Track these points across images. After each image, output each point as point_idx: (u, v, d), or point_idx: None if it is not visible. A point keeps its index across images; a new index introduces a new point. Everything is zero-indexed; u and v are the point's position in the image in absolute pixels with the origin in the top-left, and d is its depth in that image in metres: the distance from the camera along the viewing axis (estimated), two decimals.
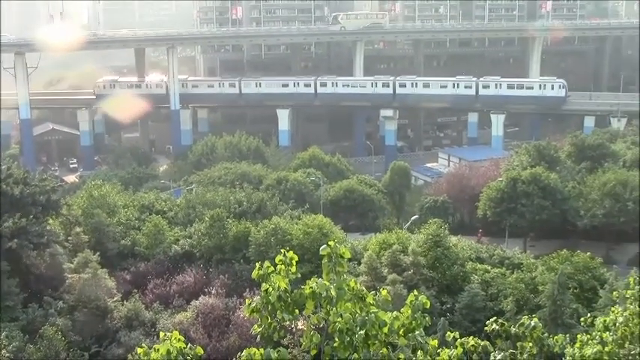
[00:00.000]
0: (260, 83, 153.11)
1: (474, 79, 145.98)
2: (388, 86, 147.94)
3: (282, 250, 9.38)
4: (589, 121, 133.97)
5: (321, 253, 9.04)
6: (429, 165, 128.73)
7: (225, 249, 59.30)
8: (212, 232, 60.19)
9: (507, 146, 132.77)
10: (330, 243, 9.05)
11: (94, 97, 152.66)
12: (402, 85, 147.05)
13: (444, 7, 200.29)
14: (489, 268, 56.29)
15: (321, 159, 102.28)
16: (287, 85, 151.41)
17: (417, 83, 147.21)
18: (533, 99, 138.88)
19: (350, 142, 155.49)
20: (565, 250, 56.77)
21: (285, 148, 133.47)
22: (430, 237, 55.70)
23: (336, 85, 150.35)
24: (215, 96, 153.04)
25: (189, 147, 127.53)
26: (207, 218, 61.95)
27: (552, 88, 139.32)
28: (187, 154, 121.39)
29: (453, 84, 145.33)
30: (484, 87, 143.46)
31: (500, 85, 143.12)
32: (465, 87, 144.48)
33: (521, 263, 57.11)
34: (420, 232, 59.81)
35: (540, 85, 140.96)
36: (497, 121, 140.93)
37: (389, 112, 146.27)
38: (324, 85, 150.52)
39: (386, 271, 51.78)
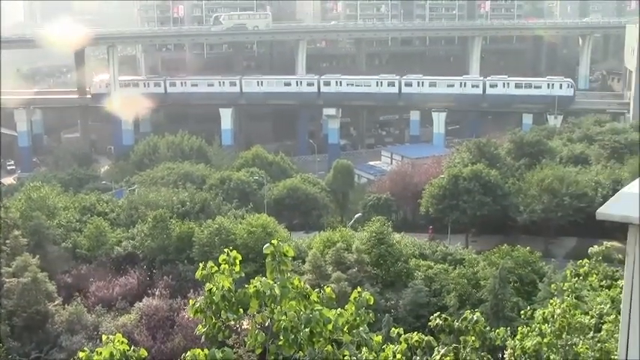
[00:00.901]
0: (262, 82, 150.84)
1: (481, 78, 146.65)
2: (394, 85, 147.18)
3: (225, 250, 9.37)
4: (527, 119, 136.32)
5: (264, 251, 9.06)
6: (372, 163, 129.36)
7: (168, 250, 58.82)
8: (155, 232, 59.65)
9: (449, 144, 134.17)
10: (273, 242, 9.08)
11: (89, 96, 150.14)
12: (408, 84, 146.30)
13: (386, 6, 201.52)
14: (432, 264, 56.83)
15: (265, 158, 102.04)
16: (289, 84, 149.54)
17: (423, 82, 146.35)
18: (541, 98, 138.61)
19: (293, 140, 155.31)
20: (505, 245, 57.69)
21: (228, 148, 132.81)
22: (374, 234, 56.00)
23: (340, 84, 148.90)
24: (216, 95, 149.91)
25: (131, 147, 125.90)
26: (150, 219, 61.38)
27: (561, 87, 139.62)
28: (129, 154, 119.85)
29: (460, 83, 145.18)
30: (491, 86, 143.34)
31: (508, 84, 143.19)
32: (472, 86, 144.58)
33: (464, 259, 57.81)
34: (364, 230, 60.12)
35: (549, 85, 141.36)
36: (439, 119, 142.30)
37: (332, 111, 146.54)
38: (327, 84, 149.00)
39: (330, 269, 51.91)
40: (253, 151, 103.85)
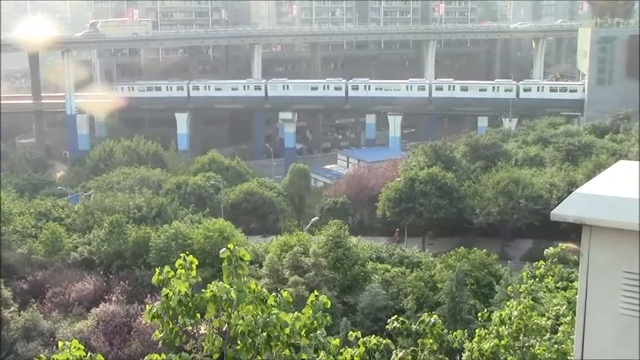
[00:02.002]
0: (287, 86, 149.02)
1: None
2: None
3: (182, 255, 9.30)
4: (482, 122, 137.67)
5: (221, 256, 9.01)
6: (328, 167, 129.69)
7: (125, 255, 58.29)
8: (111, 238, 59.12)
9: (405, 147, 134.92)
10: (229, 246, 9.02)
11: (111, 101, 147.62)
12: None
13: (341, 10, 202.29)
14: (389, 267, 57.01)
15: (221, 162, 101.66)
16: (316, 88, 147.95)
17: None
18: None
19: (249, 144, 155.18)
20: (462, 247, 58.03)
21: (184, 152, 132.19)
22: (330, 238, 56.03)
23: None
24: (239, 99, 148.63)
25: (87, 152, 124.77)
26: (106, 224, 60.82)
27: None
28: (85, 159, 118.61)
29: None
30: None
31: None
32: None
33: (421, 262, 58.06)
34: (321, 234, 60.14)
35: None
36: (395, 122, 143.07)
37: (288, 115, 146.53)
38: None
39: (287, 273, 51.84)
40: (209, 156, 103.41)
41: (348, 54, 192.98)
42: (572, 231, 5.48)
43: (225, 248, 9.01)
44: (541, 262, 17.01)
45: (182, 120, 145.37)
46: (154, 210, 70.11)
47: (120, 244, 58.59)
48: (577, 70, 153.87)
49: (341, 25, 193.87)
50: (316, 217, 78.76)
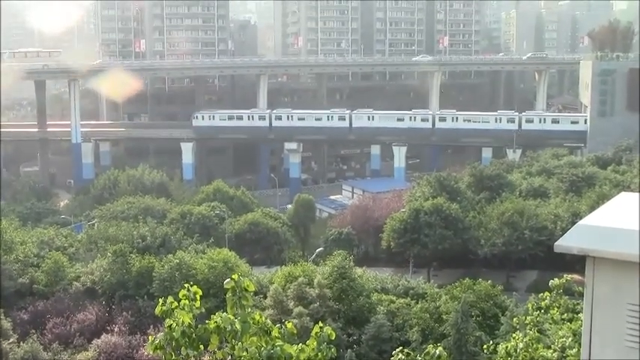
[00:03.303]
0: (373, 117, 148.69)
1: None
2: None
3: (186, 285, 9.28)
4: (487, 152, 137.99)
5: (225, 286, 8.98)
6: (333, 197, 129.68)
7: (128, 285, 58.07)
8: (115, 267, 58.92)
9: (409, 178, 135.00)
10: (234, 276, 9.00)
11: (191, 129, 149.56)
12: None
13: (346, 42, 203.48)
14: (394, 298, 56.73)
15: (226, 192, 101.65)
16: (402, 120, 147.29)
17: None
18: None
19: (254, 175, 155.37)
20: (467, 278, 57.76)
21: (189, 182, 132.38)
22: (335, 269, 55.80)
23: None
24: (323, 130, 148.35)
25: (91, 181, 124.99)
26: (109, 254, 60.65)
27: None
28: (89, 188, 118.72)
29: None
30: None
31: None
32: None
33: (426, 293, 57.73)
34: (326, 265, 59.88)
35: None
36: (399, 153, 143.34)
37: (293, 145, 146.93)
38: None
39: (292, 304, 51.60)
40: (214, 186, 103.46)
41: (353, 85, 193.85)
42: (578, 262, 5.47)
43: (229, 279, 8.99)
44: (546, 293, 16.92)
45: (187, 149, 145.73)
46: (158, 240, 69.97)
47: (123, 274, 58.38)
48: (579, 102, 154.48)
49: (346, 56, 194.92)
50: (321, 248, 78.53)
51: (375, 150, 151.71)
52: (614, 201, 5.65)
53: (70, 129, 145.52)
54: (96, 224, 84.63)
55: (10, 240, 65.76)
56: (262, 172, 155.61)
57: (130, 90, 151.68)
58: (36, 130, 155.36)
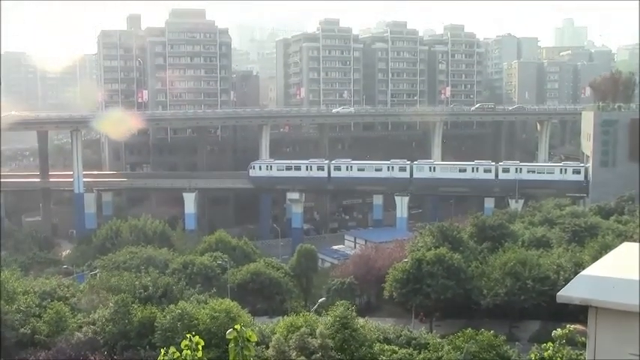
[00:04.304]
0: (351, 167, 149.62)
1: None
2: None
3: (188, 335, 9.28)
4: (489, 202, 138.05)
5: (227, 337, 8.99)
6: (335, 247, 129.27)
7: (130, 335, 57.75)
8: (116, 317, 58.64)
9: (412, 227, 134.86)
10: (236, 326, 9.02)
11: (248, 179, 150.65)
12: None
13: (348, 93, 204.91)
14: (397, 348, 56.31)
15: (228, 242, 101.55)
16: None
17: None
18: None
19: (256, 224, 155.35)
20: (470, 328, 57.40)
21: (191, 232, 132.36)
22: (338, 319, 55.51)
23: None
24: (383, 180, 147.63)
25: (94, 231, 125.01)
26: (111, 304, 60.40)
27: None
28: (91, 238, 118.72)
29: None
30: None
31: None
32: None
33: (428, 343, 57.38)
34: (328, 315, 59.56)
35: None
36: (402, 202, 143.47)
37: (295, 195, 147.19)
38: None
39: (294, 354, 51.25)
40: (216, 236, 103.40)
41: (355, 135, 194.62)
42: (580, 312, 5.47)
43: (231, 329, 9.01)
44: (549, 343, 16.88)
45: (190, 200, 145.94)
46: (160, 290, 69.72)
47: (125, 324, 58.09)
48: (581, 152, 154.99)
49: (348, 106, 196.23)
50: (323, 298, 78.22)
51: (378, 200, 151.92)
52: (617, 251, 5.69)
53: (72, 179, 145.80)
54: (98, 274, 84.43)
55: (12, 290, 65.60)
56: (264, 221, 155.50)
57: (130, 134, 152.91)
58: (38, 180, 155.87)
